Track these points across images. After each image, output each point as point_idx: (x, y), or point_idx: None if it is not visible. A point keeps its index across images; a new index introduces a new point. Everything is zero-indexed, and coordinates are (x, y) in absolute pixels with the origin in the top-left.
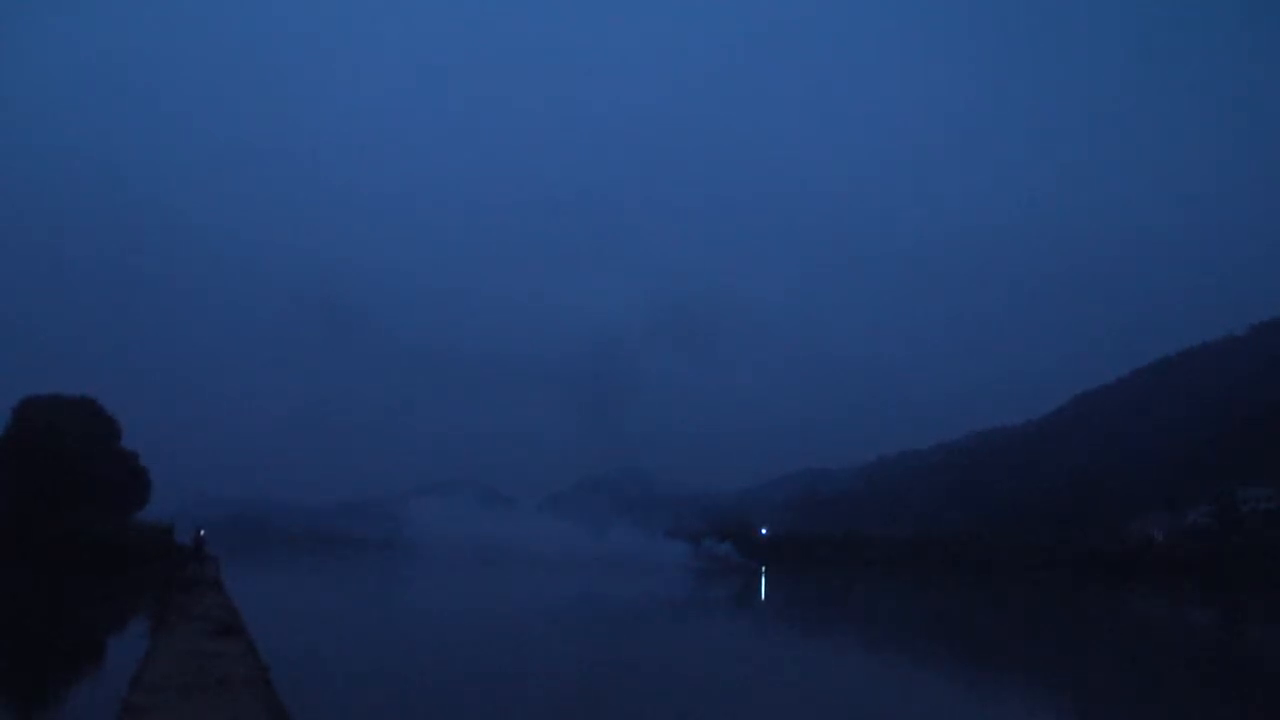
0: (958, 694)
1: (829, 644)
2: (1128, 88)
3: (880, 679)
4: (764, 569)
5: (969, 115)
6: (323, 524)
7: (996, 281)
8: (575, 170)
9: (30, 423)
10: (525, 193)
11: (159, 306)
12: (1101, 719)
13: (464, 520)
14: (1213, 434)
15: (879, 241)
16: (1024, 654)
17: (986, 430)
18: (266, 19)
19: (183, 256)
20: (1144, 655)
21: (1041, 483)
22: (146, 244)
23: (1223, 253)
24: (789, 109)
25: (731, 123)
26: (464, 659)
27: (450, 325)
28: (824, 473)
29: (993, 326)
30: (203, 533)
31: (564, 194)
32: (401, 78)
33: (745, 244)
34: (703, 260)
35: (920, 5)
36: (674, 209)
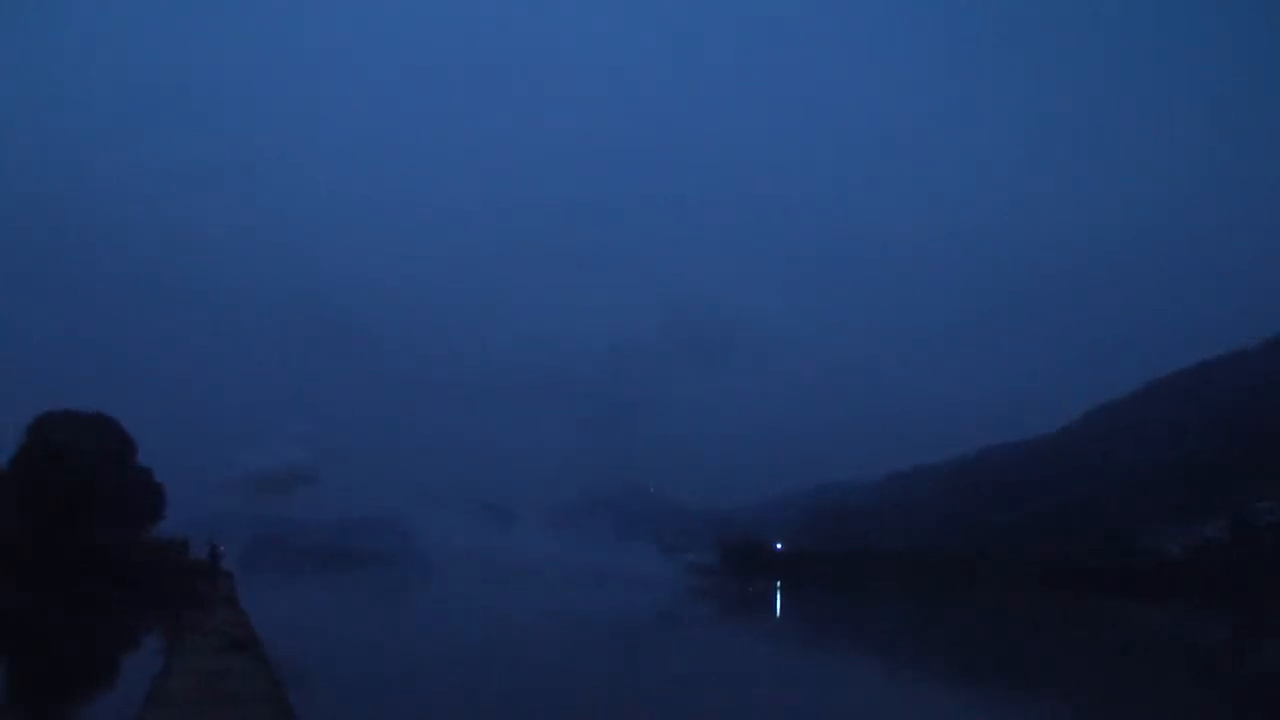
0: (975, 709)
1: (850, 661)
2: (1135, 82)
3: (887, 695)
4: (779, 584)
5: (972, 112)
6: (334, 539)
7: (1009, 293)
8: (580, 180)
9: (44, 439)
10: (529, 203)
11: (174, 321)
12: None
13: (470, 536)
14: (1228, 447)
15: (889, 250)
16: (1042, 671)
17: (999, 444)
18: (269, 26)
19: (194, 270)
20: (1158, 671)
21: (1055, 497)
22: (159, 259)
23: (1236, 263)
24: (799, 113)
25: (740, 128)
26: (471, 675)
27: (454, 337)
28: (836, 487)
29: (1005, 338)
30: (221, 548)
31: (568, 203)
32: (404, 88)
33: (754, 253)
34: (712, 270)
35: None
36: (681, 218)
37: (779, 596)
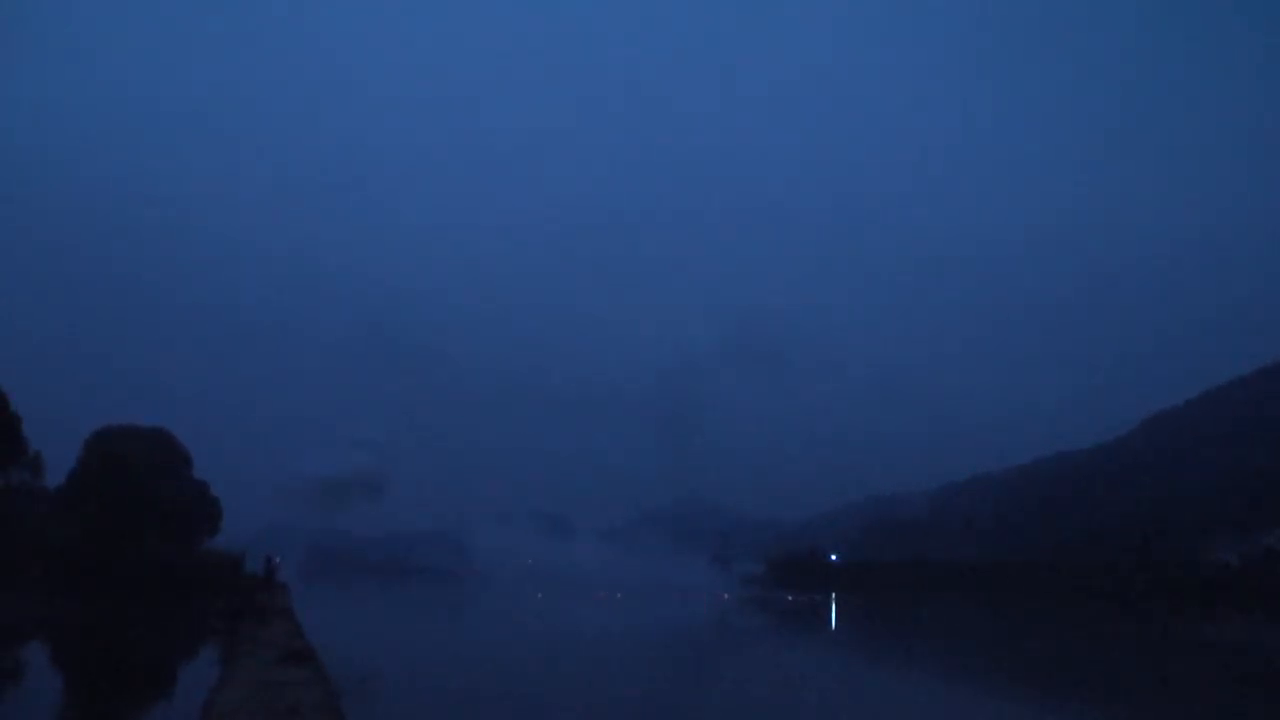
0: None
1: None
2: (1196, 88)
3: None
4: (834, 596)
5: (1024, 118)
6: (392, 553)
7: (1066, 301)
8: (637, 193)
9: (103, 453)
10: (586, 216)
11: (233, 338)
12: None
13: (528, 550)
14: None
15: (945, 260)
16: (1104, 683)
17: (1056, 454)
18: (320, 51)
19: (261, 286)
20: (1221, 683)
21: (1113, 507)
22: (218, 276)
23: None
24: (848, 124)
25: (792, 140)
26: (525, 687)
27: (514, 353)
28: (891, 498)
29: (1063, 347)
30: (277, 560)
31: (625, 217)
32: (459, 103)
33: (808, 264)
34: (767, 283)
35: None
36: (736, 230)
37: (834, 608)
